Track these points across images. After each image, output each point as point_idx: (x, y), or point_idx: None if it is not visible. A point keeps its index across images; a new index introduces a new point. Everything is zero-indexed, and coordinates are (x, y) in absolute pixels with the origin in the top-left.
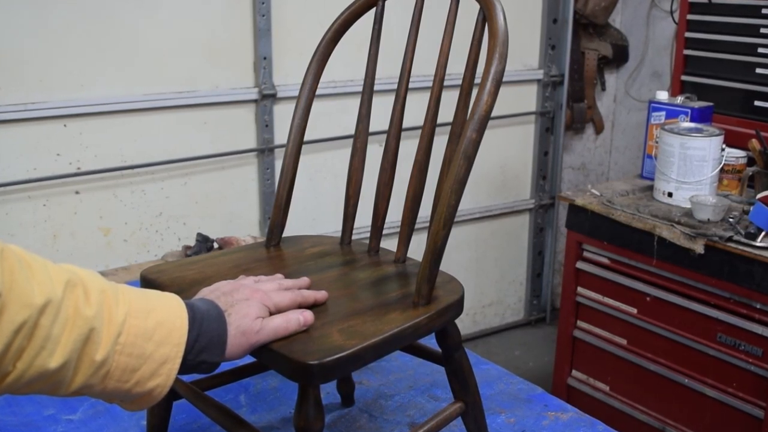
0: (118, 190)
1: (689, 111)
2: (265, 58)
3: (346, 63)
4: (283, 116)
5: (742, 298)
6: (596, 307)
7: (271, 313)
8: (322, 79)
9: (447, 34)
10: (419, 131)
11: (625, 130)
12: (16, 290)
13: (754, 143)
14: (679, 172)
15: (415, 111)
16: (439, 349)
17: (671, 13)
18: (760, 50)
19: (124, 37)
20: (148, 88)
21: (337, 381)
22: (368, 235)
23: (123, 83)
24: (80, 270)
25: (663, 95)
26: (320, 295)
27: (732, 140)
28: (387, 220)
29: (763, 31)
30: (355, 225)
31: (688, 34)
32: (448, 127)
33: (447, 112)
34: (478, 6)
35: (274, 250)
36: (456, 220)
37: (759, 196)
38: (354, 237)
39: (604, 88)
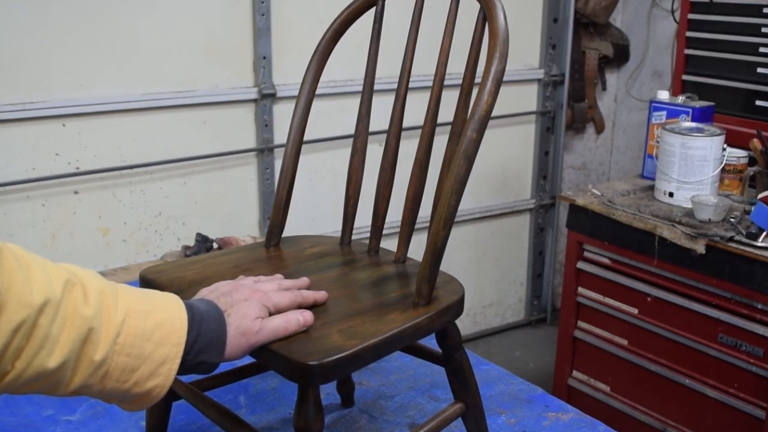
0: (117, 190)
1: (690, 111)
2: (264, 58)
3: (346, 62)
4: (282, 116)
5: (743, 299)
6: (597, 307)
7: (271, 314)
8: (321, 79)
9: (447, 34)
10: (419, 131)
11: (626, 130)
12: (14, 290)
13: (756, 143)
14: (680, 172)
15: (416, 110)
16: (440, 350)
17: (672, 12)
18: (762, 50)
19: (123, 37)
20: (148, 88)
21: (337, 381)
22: (368, 235)
23: (122, 83)
24: (79, 270)
25: (664, 95)
26: (320, 295)
27: (733, 140)
28: (387, 220)
29: (764, 30)
30: (355, 225)
31: (689, 34)
32: (449, 127)
33: (447, 111)
34: (478, 5)
35: (274, 251)
36: (456, 220)
37: (760, 196)
38: (354, 237)
39: (604, 88)
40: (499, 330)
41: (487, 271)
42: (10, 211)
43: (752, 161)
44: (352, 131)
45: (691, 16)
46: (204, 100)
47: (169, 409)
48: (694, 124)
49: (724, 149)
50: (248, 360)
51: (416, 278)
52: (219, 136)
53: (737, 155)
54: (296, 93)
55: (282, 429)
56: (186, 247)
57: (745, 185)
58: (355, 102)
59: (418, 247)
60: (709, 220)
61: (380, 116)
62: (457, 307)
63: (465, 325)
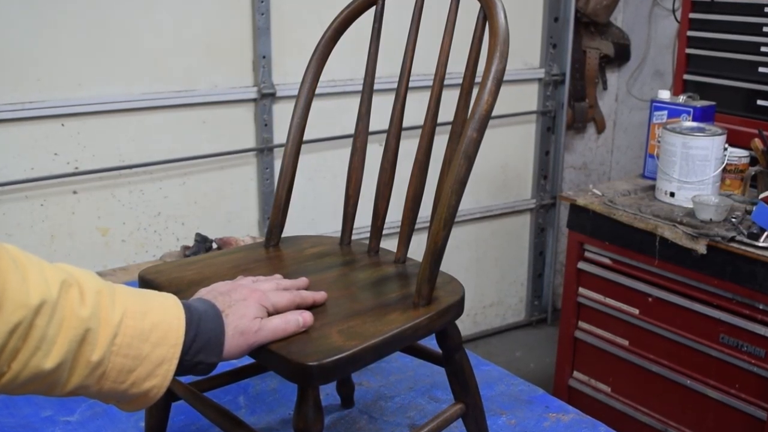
0: (116, 189)
1: (691, 110)
2: (264, 57)
3: (346, 62)
4: (282, 115)
5: (744, 299)
6: (598, 307)
7: (270, 314)
8: (321, 78)
9: (447, 33)
10: (419, 131)
11: (627, 130)
12: (10, 290)
13: (757, 143)
14: (681, 171)
15: (416, 110)
16: (440, 350)
17: (673, 11)
18: (763, 49)
19: (122, 36)
20: (147, 87)
21: (336, 382)
22: (368, 235)
23: (121, 82)
24: (76, 270)
25: (665, 94)
26: (319, 296)
27: (734, 140)
28: (387, 220)
29: (765, 29)
30: (355, 225)
31: (690, 33)
32: (449, 127)
33: (447, 111)
34: (478, 4)
35: (273, 251)
36: (456, 220)
37: (762, 196)
38: (354, 237)
39: (605, 87)
40: (500, 330)
41: (488, 272)
42: (9, 211)
43: (753, 161)
44: (352, 131)
45: (692, 15)
46: (203, 100)
47: (168, 409)
48: (695, 124)
49: (725, 149)
50: (248, 360)
51: (416, 278)
52: (218, 136)
53: (738, 155)
54: (296, 92)
55: (281, 430)
56: (185, 248)
57: (747, 185)
58: (355, 101)
59: (418, 248)
60: (711, 220)
61: (380, 116)
62: (458, 307)
63: (465, 325)
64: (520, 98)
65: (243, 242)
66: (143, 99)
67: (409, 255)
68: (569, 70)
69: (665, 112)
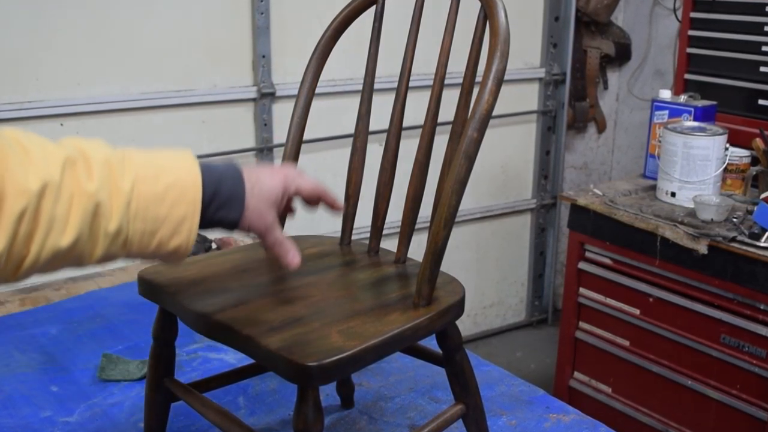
0: None
1: (692, 110)
2: (263, 57)
3: (346, 61)
4: (282, 115)
5: (745, 299)
6: (598, 308)
7: (291, 197)
8: (321, 78)
9: (448, 33)
10: (419, 130)
11: (628, 129)
12: (10, 179)
13: (758, 142)
14: (682, 171)
15: (416, 110)
16: (440, 351)
17: (674, 11)
18: (764, 48)
19: (121, 35)
20: (146, 87)
21: (336, 383)
22: (368, 235)
23: (120, 82)
24: (83, 142)
25: (666, 94)
26: (338, 203)
27: (735, 139)
28: (387, 220)
29: (767, 29)
30: (355, 225)
31: (691, 32)
32: (449, 127)
33: (448, 111)
34: (479, 4)
35: None
36: (457, 220)
37: (763, 195)
38: (354, 237)
39: (606, 87)
40: (500, 331)
41: (488, 272)
42: None
43: (755, 161)
44: (351, 131)
45: (693, 14)
46: (203, 100)
47: (168, 410)
48: (696, 124)
49: (726, 149)
50: (247, 361)
51: (416, 279)
52: (218, 136)
53: (740, 155)
54: (296, 92)
55: (281, 430)
56: None
57: (748, 185)
58: (354, 101)
59: (418, 248)
60: (712, 220)
61: (380, 115)
62: (458, 307)
63: (465, 325)
64: (521, 98)
65: (243, 243)
66: (142, 99)
67: (409, 255)
68: (570, 69)
69: (666, 112)
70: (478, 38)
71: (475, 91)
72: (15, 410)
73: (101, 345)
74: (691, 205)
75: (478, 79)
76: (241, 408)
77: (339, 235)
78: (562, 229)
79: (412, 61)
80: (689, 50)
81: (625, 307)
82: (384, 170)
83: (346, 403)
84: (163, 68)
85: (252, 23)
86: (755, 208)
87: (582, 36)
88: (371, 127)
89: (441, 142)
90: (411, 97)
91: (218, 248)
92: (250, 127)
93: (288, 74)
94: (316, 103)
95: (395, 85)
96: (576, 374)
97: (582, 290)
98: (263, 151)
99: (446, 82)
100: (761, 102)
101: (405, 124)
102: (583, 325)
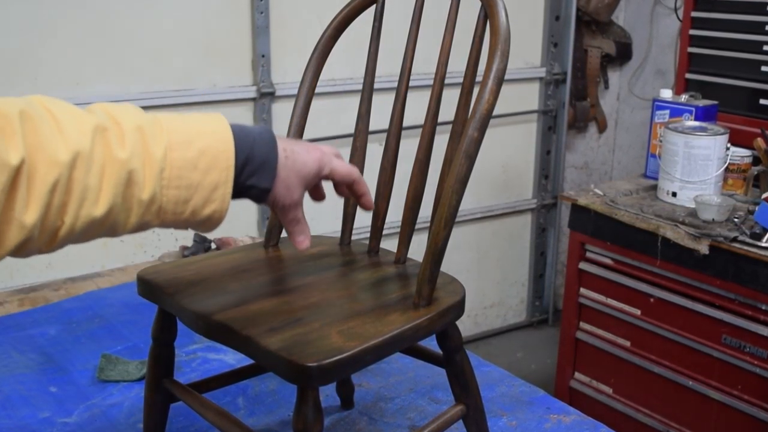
0: None
1: (693, 109)
2: (263, 56)
3: (346, 61)
4: (281, 115)
5: (747, 299)
6: (599, 308)
7: (323, 177)
8: (321, 77)
9: (448, 32)
10: (420, 130)
11: (629, 129)
12: (41, 150)
13: (760, 142)
14: (683, 171)
15: (416, 109)
16: (440, 351)
17: (675, 10)
18: (766, 48)
19: (120, 34)
20: (145, 86)
21: (336, 383)
22: (368, 235)
23: (119, 81)
24: (114, 108)
25: (667, 93)
26: (369, 198)
27: (737, 139)
28: (387, 220)
29: None
30: (355, 225)
31: (692, 32)
32: (449, 126)
33: (448, 110)
34: (479, 3)
35: (273, 251)
36: (457, 220)
37: (764, 195)
38: (354, 237)
39: (607, 86)
40: (501, 331)
41: (488, 272)
42: None
43: (756, 160)
44: (351, 130)
45: (694, 13)
46: (202, 99)
47: (167, 411)
48: (697, 123)
49: (727, 148)
50: (247, 361)
51: (416, 279)
52: None
53: (741, 154)
54: (295, 92)
55: (281, 431)
56: (184, 248)
57: (749, 185)
58: (354, 101)
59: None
60: (713, 220)
61: (380, 115)
62: (458, 308)
63: (466, 326)
64: (521, 97)
65: (242, 242)
66: (142, 98)
67: (409, 255)
68: (570, 69)
69: (667, 112)
70: (479, 37)
71: (476, 90)
72: (13, 411)
73: (100, 345)
74: (692, 205)
75: (479, 78)
76: (240, 409)
77: (339, 235)
78: (563, 229)
79: (412, 61)
80: (690, 49)
81: (626, 308)
82: (384, 170)
83: (346, 404)
84: (163, 68)
85: (252, 22)
86: (756, 208)
87: (583, 35)
88: (371, 127)
89: (441, 142)
90: (411, 96)
91: (218, 248)
92: None
93: (288, 74)
94: (315, 103)
95: (395, 84)
96: (577, 375)
97: (583, 290)
98: None
99: (446, 81)
100: (762, 101)
101: (405, 123)
102: (583, 325)
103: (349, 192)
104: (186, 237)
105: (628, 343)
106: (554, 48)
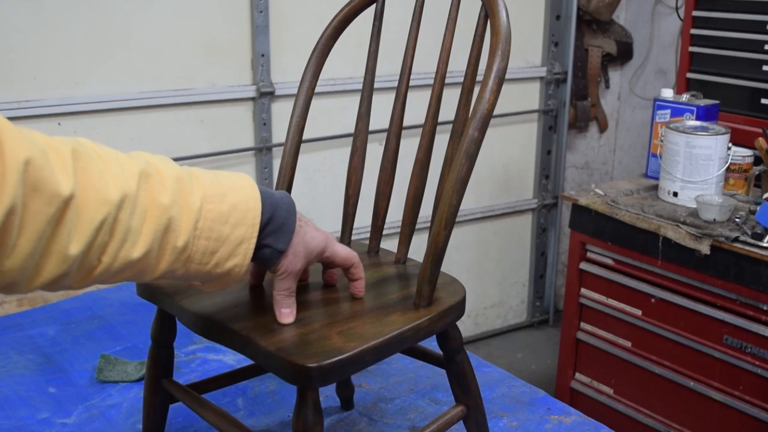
0: None
1: (695, 109)
2: (263, 55)
3: (346, 60)
4: (281, 114)
5: (748, 300)
6: (600, 308)
7: (326, 256)
8: (321, 77)
9: (448, 31)
10: (420, 130)
11: (630, 129)
12: (91, 189)
13: (761, 142)
14: (684, 171)
15: (416, 109)
16: (440, 352)
17: (676, 9)
18: (767, 47)
19: (119, 34)
20: (144, 86)
21: (336, 384)
22: (368, 235)
23: (118, 80)
24: (153, 157)
25: (668, 93)
26: (361, 287)
27: (738, 139)
28: (387, 220)
29: None
30: (355, 225)
31: (693, 31)
32: (450, 126)
33: (448, 110)
34: (480, 2)
35: None
36: (457, 220)
37: (766, 195)
38: (354, 237)
39: (608, 86)
40: (501, 332)
41: (489, 272)
42: None
43: (758, 160)
44: (351, 130)
45: (695, 13)
46: (201, 99)
47: (166, 411)
48: (698, 123)
49: (729, 148)
50: (246, 362)
51: (417, 279)
52: (217, 135)
53: (742, 154)
54: (295, 91)
55: None
56: None
57: (751, 185)
58: (354, 100)
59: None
60: (714, 220)
61: (380, 115)
62: (459, 308)
63: (466, 326)
64: (522, 97)
65: None
66: (140, 98)
67: (409, 255)
68: (571, 68)
69: (668, 111)
70: (479, 37)
71: (476, 90)
72: (12, 412)
73: (99, 346)
74: (694, 205)
75: (479, 78)
76: (240, 409)
77: (339, 235)
78: (564, 229)
79: (412, 60)
80: (691, 49)
81: (627, 308)
82: (384, 169)
83: (345, 405)
84: (162, 67)
85: (251, 22)
86: (758, 208)
87: (583, 34)
88: (371, 127)
89: (442, 142)
90: (411, 96)
91: None
92: (249, 126)
93: (287, 73)
94: (315, 102)
95: (396, 84)
96: (577, 375)
97: (583, 291)
98: (262, 150)
99: (447, 81)
100: (764, 101)
101: (405, 123)
102: (584, 325)
103: (346, 275)
104: None
105: (629, 344)
106: (555, 47)
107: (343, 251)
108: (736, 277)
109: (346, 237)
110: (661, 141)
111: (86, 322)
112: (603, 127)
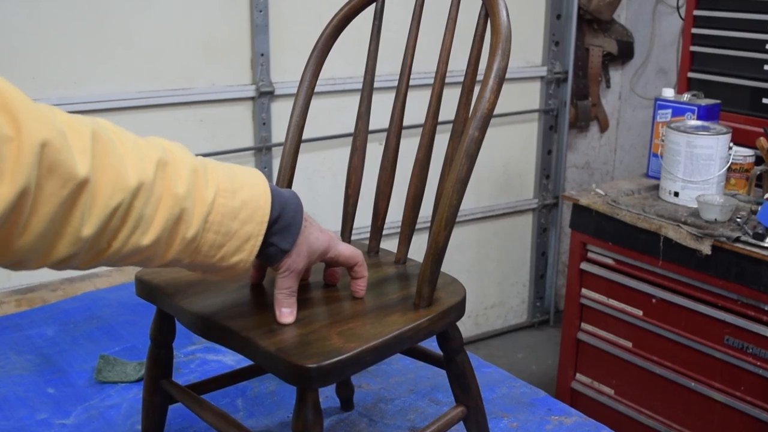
0: None
1: (696, 109)
2: (262, 55)
3: (346, 59)
4: (280, 114)
5: (749, 300)
6: (601, 309)
7: (326, 260)
8: (321, 76)
9: (449, 30)
10: (420, 129)
11: (631, 128)
12: (109, 173)
13: (762, 141)
14: (685, 171)
15: (416, 109)
16: (441, 352)
17: (677, 8)
18: None
19: (118, 33)
20: (144, 85)
21: (336, 384)
22: (368, 235)
23: (117, 80)
24: (171, 145)
25: (669, 92)
26: (362, 286)
27: (739, 138)
28: (387, 220)
29: None
30: (355, 225)
31: (694, 30)
32: (450, 125)
33: (448, 109)
34: (480, 1)
35: None
36: (458, 220)
37: (767, 195)
38: (353, 237)
39: (609, 86)
40: (502, 332)
41: (489, 272)
42: None
43: (759, 160)
44: (351, 129)
45: (696, 12)
46: (201, 98)
47: (165, 412)
48: (699, 123)
49: (730, 148)
50: (246, 362)
51: (417, 279)
52: (216, 135)
53: (744, 154)
54: (294, 90)
55: None
56: None
57: (752, 184)
58: (354, 100)
59: (418, 248)
60: (715, 220)
61: (380, 114)
62: (459, 308)
63: (466, 327)
64: (522, 96)
65: None
66: (140, 97)
67: (409, 255)
68: (572, 67)
69: (669, 111)
70: (480, 36)
71: (477, 89)
72: (10, 412)
73: (98, 346)
74: (695, 205)
75: (480, 77)
76: (239, 410)
77: (339, 235)
78: (564, 230)
79: (412, 59)
80: (693, 48)
81: (628, 308)
82: (384, 169)
83: (345, 405)
84: (161, 66)
85: (251, 21)
86: (759, 208)
87: (584, 34)
88: (371, 126)
89: (442, 141)
90: (411, 95)
91: None
92: (248, 125)
93: (287, 72)
94: (315, 102)
95: (395, 83)
96: (578, 376)
97: (584, 291)
98: (262, 150)
99: (447, 80)
100: (765, 100)
101: (405, 122)
102: (585, 326)
103: (349, 273)
104: None
105: (629, 344)
106: (555, 47)
107: (346, 250)
108: (737, 277)
109: (345, 237)
110: (662, 141)
111: (85, 322)
112: (604, 127)
